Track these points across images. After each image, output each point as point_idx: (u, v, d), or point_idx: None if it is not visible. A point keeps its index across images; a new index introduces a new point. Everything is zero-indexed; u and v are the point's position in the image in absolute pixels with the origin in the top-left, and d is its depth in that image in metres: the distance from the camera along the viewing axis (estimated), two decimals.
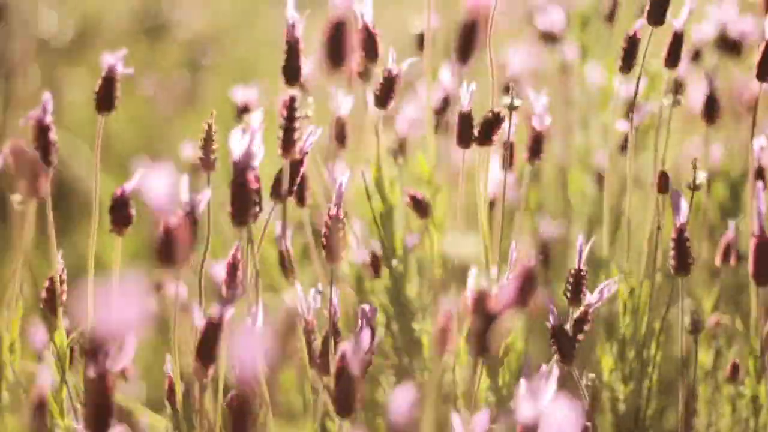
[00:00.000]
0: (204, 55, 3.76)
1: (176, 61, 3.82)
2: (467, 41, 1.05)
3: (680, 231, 1.40)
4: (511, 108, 1.42)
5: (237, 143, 1.14)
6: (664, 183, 1.53)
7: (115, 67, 1.39)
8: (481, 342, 0.99)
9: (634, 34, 1.54)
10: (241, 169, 1.13)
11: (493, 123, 1.40)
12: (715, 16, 2.07)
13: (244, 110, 1.93)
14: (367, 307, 1.26)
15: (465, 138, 1.41)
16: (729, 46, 2.06)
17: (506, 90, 1.45)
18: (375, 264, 1.65)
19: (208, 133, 1.32)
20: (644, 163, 2.08)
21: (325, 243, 1.25)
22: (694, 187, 1.48)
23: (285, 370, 1.46)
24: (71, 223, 2.75)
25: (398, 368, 1.63)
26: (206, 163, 1.34)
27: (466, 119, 1.41)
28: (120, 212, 1.33)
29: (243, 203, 1.15)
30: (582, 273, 1.41)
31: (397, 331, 1.63)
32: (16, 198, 1.22)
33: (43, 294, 1.37)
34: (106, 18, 4.05)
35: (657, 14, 1.46)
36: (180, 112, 3.58)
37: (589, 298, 1.40)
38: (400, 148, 1.91)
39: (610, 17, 2.19)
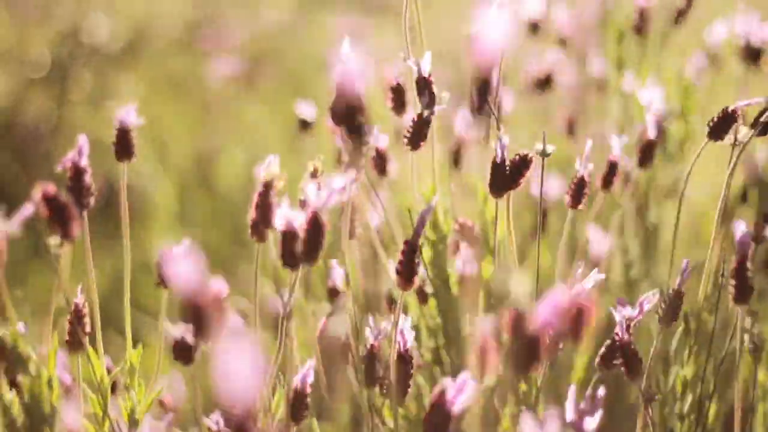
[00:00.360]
0: (254, 67, 3.79)
1: (224, 72, 3.86)
2: (481, 96, 1.07)
3: (741, 261, 1.39)
4: (544, 155, 1.44)
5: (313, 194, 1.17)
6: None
7: (127, 121, 1.40)
8: (521, 361, 1.00)
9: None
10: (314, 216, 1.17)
11: (520, 166, 1.41)
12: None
13: (304, 125, 1.97)
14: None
15: (498, 187, 1.41)
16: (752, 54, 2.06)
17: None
18: (422, 293, 1.67)
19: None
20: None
21: (399, 269, 1.27)
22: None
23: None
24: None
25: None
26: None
27: (499, 168, 1.41)
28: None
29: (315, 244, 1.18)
30: (681, 292, 1.43)
31: (447, 359, 1.65)
32: (52, 241, 1.23)
33: (68, 330, 1.37)
34: (157, 25, 4.10)
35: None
36: (230, 126, 3.62)
37: (629, 312, 1.41)
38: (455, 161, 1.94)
39: (640, 30, 2.21)
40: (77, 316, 1.36)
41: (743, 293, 1.42)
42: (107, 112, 3.15)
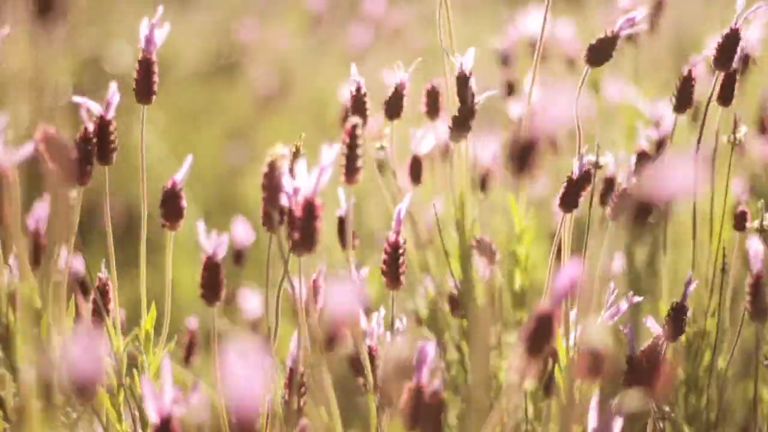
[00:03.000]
0: (273, 97, 3.80)
1: (246, 102, 3.88)
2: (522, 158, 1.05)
3: (757, 277, 1.38)
4: (596, 166, 1.42)
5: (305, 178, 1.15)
6: (740, 222, 1.52)
7: (152, 40, 1.38)
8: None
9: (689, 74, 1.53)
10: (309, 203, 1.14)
11: (580, 182, 1.40)
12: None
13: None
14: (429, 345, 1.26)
15: (569, 203, 1.40)
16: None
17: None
18: (453, 302, 1.66)
19: None
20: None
21: (385, 269, 1.26)
22: (762, 229, 1.46)
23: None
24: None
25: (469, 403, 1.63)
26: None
27: (574, 186, 1.40)
28: (172, 206, 1.34)
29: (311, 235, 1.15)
30: (685, 308, 1.41)
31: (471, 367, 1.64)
32: (72, 194, 1.24)
33: (91, 300, 1.38)
34: (180, 56, 4.13)
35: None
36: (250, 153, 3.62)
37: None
38: (482, 184, 1.93)
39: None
40: (102, 291, 1.38)
41: (759, 310, 1.40)
42: (130, 139, 3.17)
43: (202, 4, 4.73)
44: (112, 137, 1.35)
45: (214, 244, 1.29)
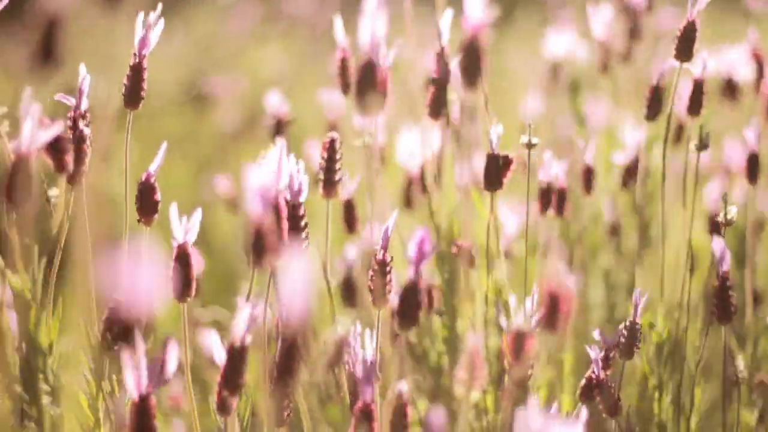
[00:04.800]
0: (251, 121, 3.82)
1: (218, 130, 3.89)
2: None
3: (723, 279, 1.39)
4: (530, 146, 1.45)
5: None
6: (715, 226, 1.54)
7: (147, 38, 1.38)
8: None
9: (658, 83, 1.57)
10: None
11: (503, 165, 1.42)
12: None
13: None
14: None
15: (493, 181, 1.43)
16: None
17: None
18: (430, 299, 1.67)
19: None
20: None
21: (371, 287, 1.26)
22: (727, 223, 1.47)
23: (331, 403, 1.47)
24: None
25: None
26: None
27: (493, 161, 1.42)
28: (147, 200, 1.34)
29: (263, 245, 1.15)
30: (637, 326, 1.42)
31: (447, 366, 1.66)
32: (51, 192, 1.25)
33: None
34: (153, 87, 4.15)
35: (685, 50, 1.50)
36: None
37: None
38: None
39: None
40: None
41: (725, 312, 1.41)
42: (105, 170, 3.18)
43: (173, 31, 4.76)
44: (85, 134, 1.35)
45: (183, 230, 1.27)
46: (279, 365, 0.97)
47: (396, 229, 1.28)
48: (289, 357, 0.97)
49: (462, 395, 1.06)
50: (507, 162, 1.40)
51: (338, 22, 1.50)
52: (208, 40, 4.30)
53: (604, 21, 2.22)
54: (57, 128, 1.19)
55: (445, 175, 1.64)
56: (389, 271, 1.26)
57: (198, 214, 1.27)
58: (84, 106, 1.33)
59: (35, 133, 1.16)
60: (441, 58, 1.40)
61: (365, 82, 1.00)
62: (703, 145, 1.53)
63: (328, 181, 1.25)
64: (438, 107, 1.41)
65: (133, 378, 0.99)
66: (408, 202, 1.98)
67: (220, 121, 3.90)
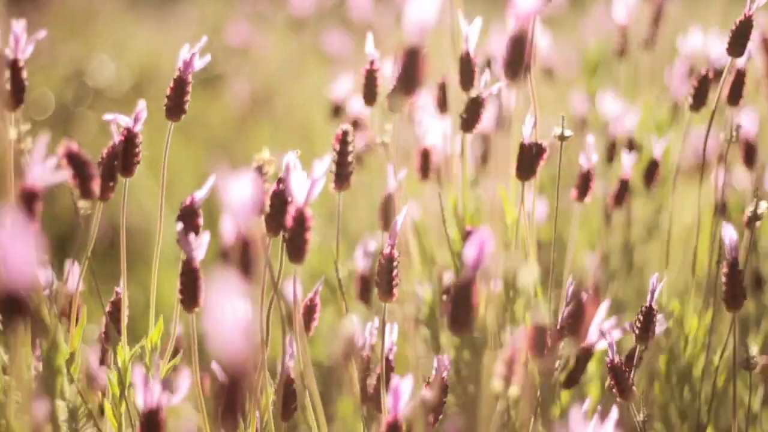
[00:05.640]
0: (257, 105, 3.79)
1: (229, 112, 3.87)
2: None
3: (733, 265, 1.37)
4: (562, 138, 1.42)
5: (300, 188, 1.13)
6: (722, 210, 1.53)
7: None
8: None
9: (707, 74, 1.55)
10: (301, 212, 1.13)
11: (536, 154, 1.40)
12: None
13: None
14: (444, 358, 1.26)
15: (526, 170, 1.40)
16: None
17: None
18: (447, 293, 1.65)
19: None
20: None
21: (378, 281, 1.24)
22: (756, 217, 1.45)
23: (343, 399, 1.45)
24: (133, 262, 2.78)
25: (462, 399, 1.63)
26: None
27: (527, 150, 1.40)
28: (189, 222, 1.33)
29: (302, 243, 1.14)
30: (653, 311, 1.39)
31: (466, 361, 1.63)
32: (83, 204, 1.24)
33: (108, 308, 1.37)
34: (162, 70, 4.11)
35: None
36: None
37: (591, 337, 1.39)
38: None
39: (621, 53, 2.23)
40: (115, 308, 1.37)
41: (735, 299, 1.38)
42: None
43: (184, 15, 4.72)
44: (138, 150, 1.34)
45: (191, 246, 1.25)
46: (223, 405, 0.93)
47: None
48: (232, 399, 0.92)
49: (499, 391, 1.03)
50: (540, 151, 1.38)
51: (370, 38, 1.47)
52: (218, 24, 4.26)
53: (627, 5, 2.19)
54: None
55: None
56: (396, 266, 1.24)
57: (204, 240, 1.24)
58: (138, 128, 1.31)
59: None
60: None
61: (408, 70, 0.96)
62: (733, 137, 1.51)
63: (340, 174, 1.22)
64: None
65: None
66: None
67: (230, 103, 3.87)
